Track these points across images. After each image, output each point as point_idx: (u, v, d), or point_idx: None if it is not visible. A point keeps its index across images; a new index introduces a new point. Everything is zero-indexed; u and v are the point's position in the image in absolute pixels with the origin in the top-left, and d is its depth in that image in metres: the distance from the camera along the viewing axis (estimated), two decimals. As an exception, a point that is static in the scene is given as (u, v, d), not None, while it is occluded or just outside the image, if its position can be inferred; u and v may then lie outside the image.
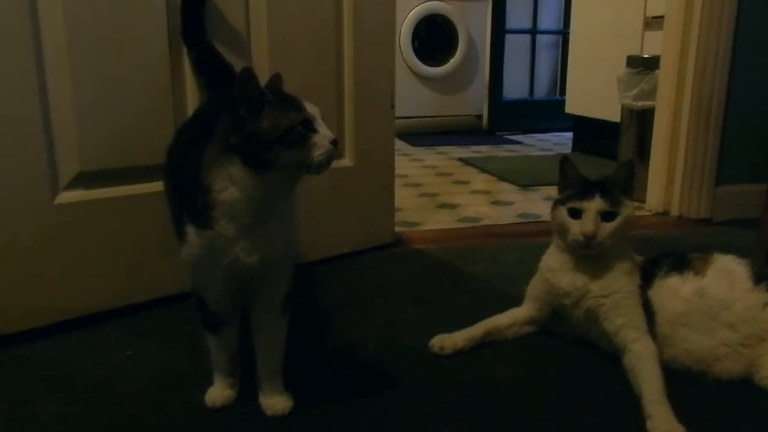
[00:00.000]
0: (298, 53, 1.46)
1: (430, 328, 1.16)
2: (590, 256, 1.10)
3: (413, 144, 3.76)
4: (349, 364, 1.11)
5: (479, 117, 4.33)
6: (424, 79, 4.18)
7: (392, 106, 1.67)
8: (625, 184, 1.10)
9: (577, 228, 1.08)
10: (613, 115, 2.54)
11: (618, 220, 1.07)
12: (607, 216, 1.07)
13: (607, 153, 2.73)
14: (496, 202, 2.33)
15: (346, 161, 1.61)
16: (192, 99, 1.32)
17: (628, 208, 1.08)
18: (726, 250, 1.14)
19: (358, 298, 1.40)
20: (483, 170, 2.92)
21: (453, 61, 4.19)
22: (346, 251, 1.64)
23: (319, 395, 1.00)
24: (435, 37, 4.17)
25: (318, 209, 1.55)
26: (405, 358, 1.12)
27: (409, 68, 4.12)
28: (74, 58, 1.16)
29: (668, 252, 1.17)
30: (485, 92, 4.26)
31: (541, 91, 4.45)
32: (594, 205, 1.07)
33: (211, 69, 1.23)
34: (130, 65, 1.23)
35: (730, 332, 1.04)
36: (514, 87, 4.34)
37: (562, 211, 1.10)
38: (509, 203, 2.29)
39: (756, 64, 1.98)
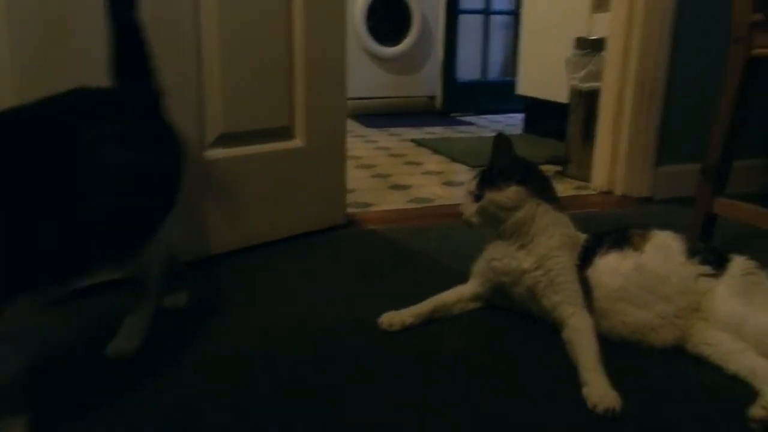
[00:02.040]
0: (248, 31, 1.45)
1: (382, 306, 1.18)
2: (510, 236, 1.16)
3: (367, 125, 3.76)
4: (307, 340, 1.13)
5: (433, 98, 4.36)
6: (379, 59, 4.17)
7: (344, 86, 1.67)
8: (508, 172, 1.16)
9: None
10: (562, 96, 2.59)
11: (481, 202, 1.16)
12: (477, 197, 1.17)
13: (557, 134, 2.79)
14: (448, 183, 2.37)
15: (297, 142, 1.60)
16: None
17: (498, 194, 1.15)
18: (666, 226, 1.19)
19: (312, 278, 1.41)
20: (436, 151, 2.95)
21: (407, 42, 4.18)
22: (299, 232, 1.64)
23: (280, 369, 1.02)
24: (389, 17, 4.15)
25: (269, 190, 1.56)
26: (361, 334, 1.14)
27: (363, 48, 4.09)
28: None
29: (611, 229, 1.22)
30: (439, 73, 4.28)
31: (495, 72, 4.50)
32: (469, 186, 1.20)
33: (127, 53, 1.02)
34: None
35: (665, 304, 1.09)
36: (468, 68, 4.37)
37: None
38: (462, 184, 2.32)
39: (695, 49, 2.05)
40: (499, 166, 1.18)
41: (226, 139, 1.45)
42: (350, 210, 1.86)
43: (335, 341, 1.12)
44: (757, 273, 1.11)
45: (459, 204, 1.22)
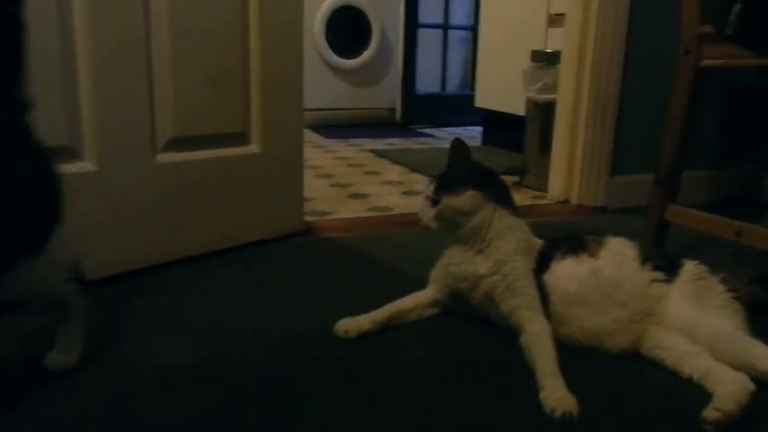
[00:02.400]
0: (202, 36, 1.42)
1: (339, 313, 1.16)
2: (467, 241, 1.16)
3: (327, 136, 3.75)
4: (264, 347, 1.09)
5: (393, 110, 4.38)
6: (338, 71, 4.18)
7: (301, 93, 1.65)
8: (464, 177, 1.17)
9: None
10: (520, 108, 2.63)
11: (438, 207, 1.16)
12: (435, 202, 1.17)
13: (514, 145, 2.83)
14: (407, 192, 2.36)
15: (253, 147, 1.57)
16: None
17: (454, 199, 1.15)
18: (620, 234, 1.20)
19: (268, 285, 1.37)
20: (395, 162, 2.95)
21: (367, 54, 4.20)
22: (255, 239, 1.60)
23: (235, 377, 0.98)
24: (349, 30, 4.17)
25: (224, 196, 1.52)
26: (319, 341, 1.11)
27: (323, 60, 4.10)
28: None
29: (567, 235, 1.22)
30: (399, 86, 4.31)
31: (454, 85, 4.55)
32: (426, 191, 1.20)
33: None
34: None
35: (621, 309, 1.09)
36: (427, 81, 4.41)
37: None
38: (421, 193, 2.31)
39: (647, 61, 2.10)
40: (456, 171, 1.18)
41: (177, 144, 1.41)
42: (308, 218, 1.84)
43: (292, 349, 1.09)
44: (707, 278, 1.13)
45: (418, 211, 1.22)
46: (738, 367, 0.98)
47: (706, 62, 1.39)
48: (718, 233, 1.36)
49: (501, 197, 1.19)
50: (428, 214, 1.18)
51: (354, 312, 1.16)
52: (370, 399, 0.94)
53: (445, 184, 1.18)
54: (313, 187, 2.33)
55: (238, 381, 0.98)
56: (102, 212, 1.30)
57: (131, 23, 1.29)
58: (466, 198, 1.15)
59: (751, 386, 0.93)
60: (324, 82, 4.11)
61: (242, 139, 1.55)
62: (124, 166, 1.32)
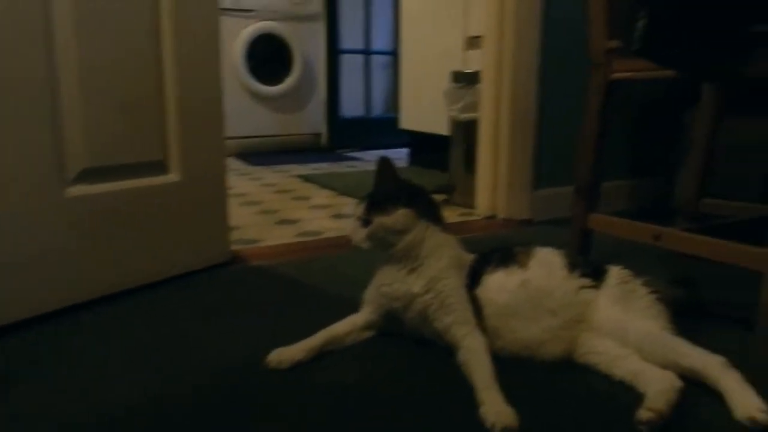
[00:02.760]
0: (112, 65, 1.36)
1: (271, 343, 1.11)
2: (399, 260, 1.15)
3: (252, 163, 3.68)
4: (192, 385, 1.03)
5: (318, 135, 4.37)
6: (261, 98, 4.14)
7: (221, 119, 1.60)
8: (394, 196, 1.16)
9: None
10: (443, 128, 2.67)
11: (370, 227, 1.15)
12: (366, 222, 1.16)
13: (441, 164, 2.87)
14: (337, 216, 2.34)
15: (172, 176, 1.51)
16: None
17: (386, 218, 1.14)
18: (546, 244, 1.22)
19: (194, 319, 1.31)
20: (324, 186, 2.93)
21: (289, 81, 4.19)
22: (179, 272, 1.54)
23: (162, 419, 0.92)
24: (270, 57, 4.15)
25: (144, 228, 1.46)
26: (246, 376, 1.06)
27: (245, 88, 4.05)
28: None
29: (496, 248, 1.23)
30: (323, 111, 4.31)
31: (378, 108, 4.59)
32: (356, 211, 1.18)
33: None
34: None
35: (552, 318, 1.11)
36: (352, 105, 4.44)
37: None
38: (350, 215, 2.30)
39: (560, 77, 2.19)
40: (386, 189, 1.17)
41: (90, 175, 1.34)
42: (235, 247, 1.78)
43: (223, 385, 1.04)
44: (631, 281, 1.16)
45: (349, 232, 1.19)
46: (665, 366, 1.00)
47: (615, 75, 1.45)
48: (638, 238, 1.41)
49: (432, 214, 1.19)
50: (359, 234, 1.17)
51: (288, 341, 1.12)
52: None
53: (376, 203, 1.16)
54: (239, 215, 2.27)
55: (165, 423, 0.92)
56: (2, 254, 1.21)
57: (30, 58, 1.22)
58: (398, 216, 1.15)
59: (678, 384, 0.96)
60: (247, 109, 4.06)
61: (161, 167, 1.49)
62: (27, 203, 1.24)
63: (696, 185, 1.85)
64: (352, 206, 1.23)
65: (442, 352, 1.11)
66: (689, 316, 1.18)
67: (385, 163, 1.20)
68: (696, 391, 0.97)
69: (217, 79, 1.59)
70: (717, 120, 1.84)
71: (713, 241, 1.25)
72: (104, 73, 1.35)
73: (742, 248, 1.19)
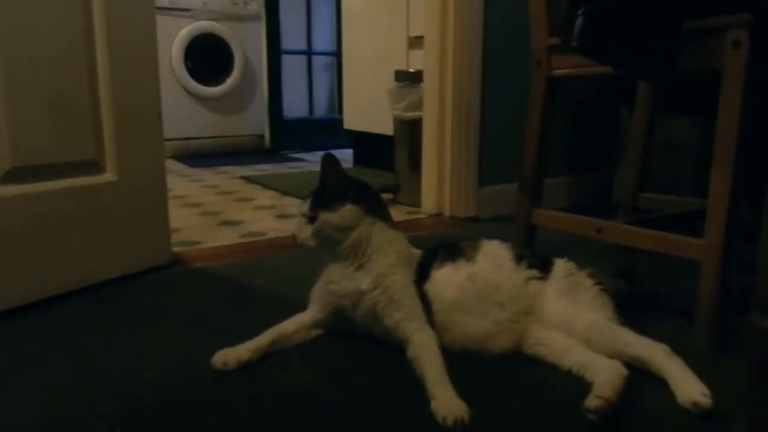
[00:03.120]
0: (41, 63, 1.30)
1: (216, 346, 1.07)
2: (347, 257, 1.13)
3: (193, 165, 3.59)
4: (132, 395, 0.98)
5: (261, 137, 4.30)
6: (201, 99, 4.04)
7: (159, 117, 1.54)
8: (341, 191, 1.14)
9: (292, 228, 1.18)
10: (388, 128, 2.67)
11: (316, 224, 1.13)
12: (311, 219, 1.13)
13: (386, 164, 2.86)
14: (281, 216, 2.30)
15: (108, 176, 1.45)
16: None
17: (332, 215, 1.12)
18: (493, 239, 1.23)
19: (132, 324, 1.25)
20: (267, 187, 2.88)
21: (230, 81, 4.11)
22: (118, 275, 1.47)
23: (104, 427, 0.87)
24: (210, 57, 4.06)
25: (80, 230, 1.39)
26: (189, 381, 1.02)
27: (184, 88, 3.95)
28: None
29: (444, 243, 1.23)
30: (266, 112, 4.25)
31: (321, 109, 4.56)
32: (301, 208, 1.16)
33: None
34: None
35: (500, 311, 1.11)
36: (294, 106, 4.39)
37: None
38: (294, 216, 2.26)
39: (503, 78, 2.22)
40: (332, 186, 1.15)
41: (18, 175, 1.27)
42: (176, 249, 1.72)
43: (166, 393, 0.99)
44: (577, 273, 1.18)
45: (294, 230, 1.17)
46: (611, 356, 1.02)
47: (555, 72, 1.48)
48: (581, 231, 1.44)
49: (378, 210, 1.18)
50: (305, 232, 1.14)
51: (233, 343, 1.08)
52: (255, 432, 0.88)
53: (321, 200, 1.14)
54: (180, 217, 2.20)
55: (102, 432, 0.88)
56: None
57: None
58: (344, 213, 1.13)
59: (625, 372, 0.98)
60: (186, 110, 3.96)
61: (95, 167, 1.43)
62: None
63: (634, 181, 1.91)
64: (297, 205, 1.21)
65: (391, 348, 1.10)
66: (631, 308, 1.21)
67: (330, 160, 1.18)
68: (641, 378, 0.99)
69: (154, 79, 1.53)
70: (652, 117, 1.90)
71: (653, 233, 1.29)
72: (30, 70, 1.28)
73: (681, 239, 1.22)
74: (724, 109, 1.11)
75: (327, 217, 1.12)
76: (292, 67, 4.36)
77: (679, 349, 1.01)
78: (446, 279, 1.14)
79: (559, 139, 2.42)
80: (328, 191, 1.15)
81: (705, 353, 1.12)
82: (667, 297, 1.40)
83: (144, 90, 1.52)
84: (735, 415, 0.89)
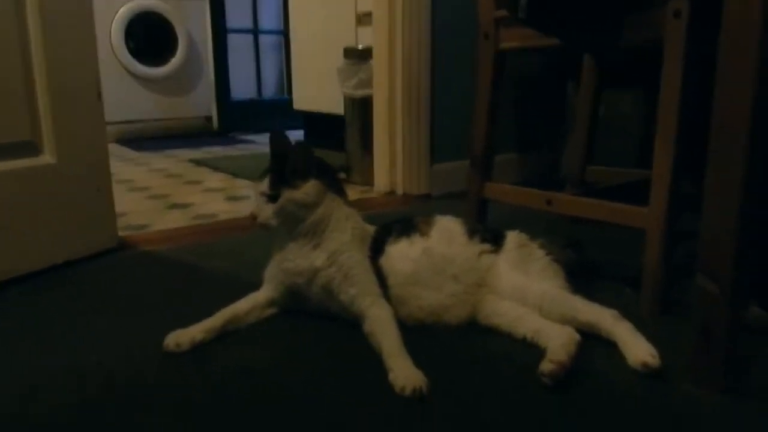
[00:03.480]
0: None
1: (166, 328, 1.04)
2: (305, 235, 1.11)
3: (138, 149, 3.48)
4: (66, 380, 0.94)
5: (209, 118, 4.20)
6: (145, 80, 3.91)
7: (99, 96, 1.48)
8: (302, 168, 1.11)
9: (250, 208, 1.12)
10: (338, 107, 2.64)
11: (279, 202, 1.09)
12: (272, 198, 1.10)
13: (337, 145, 2.83)
14: (232, 198, 2.26)
15: (47, 158, 1.39)
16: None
17: (296, 192, 1.09)
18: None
19: (77, 310, 1.21)
20: (216, 169, 2.82)
21: (174, 62, 3.99)
22: (59, 261, 1.42)
23: (52, 414, 0.83)
24: (152, 37, 3.92)
25: (16, 215, 1.33)
26: (139, 363, 0.99)
27: (126, 69, 3.81)
28: None
29: (398, 219, 1.23)
30: (213, 93, 4.14)
31: (270, 90, 4.48)
32: (260, 187, 1.11)
33: None
34: None
35: (455, 284, 1.12)
36: (242, 87, 4.30)
37: None
38: (246, 197, 2.23)
39: (452, 51, 2.21)
40: (293, 162, 1.11)
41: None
42: (123, 233, 1.67)
43: (112, 373, 0.96)
44: (528, 244, 1.20)
45: (252, 210, 1.12)
46: (564, 322, 1.04)
47: (504, 45, 1.48)
48: (531, 204, 1.46)
49: (336, 187, 1.17)
50: (266, 211, 1.10)
51: (187, 325, 1.05)
52: (203, 419, 0.86)
53: (281, 177, 1.10)
54: (126, 202, 2.13)
55: (48, 425, 0.84)
56: None
57: None
58: (308, 189, 1.10)
59: (577, 337, 1.00)
60: (129, 92, 3.82)
61: (31, 148, 1.36)
62: None
63: (581, 155, 1.94)
64: (251, 186, 1.17)
65: (347, 325, 1.10)
66: (580, 277, 1.24)
67: (278, 136, 1.16)
68: (593, 343, 1.02)
69: (92, 55, 1.47)
70: (597, 93, 1.94)
71: (601, 203, 1.32)
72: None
73: (627, 208, 1.25)
74: (666, 79, 1.14)
75: (290, 194, 1.09)
76: (238, 47, 4.26)
77: (627, 314, 1.04)
78: (401, 254, 1.14)
79: (507, 117, 2.44)
80: (289, 167, 1.11)
81: (651, 317, 1.16)
82: (613, 266, 1.44)
83: (81, 67, 1.45)
84: (681, 373, 0.93)
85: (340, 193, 1.17)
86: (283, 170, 1.11)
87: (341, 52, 2.48)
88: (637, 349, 0.96)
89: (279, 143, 1.17)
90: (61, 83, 1.39)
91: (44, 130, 1.38)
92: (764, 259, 1.03)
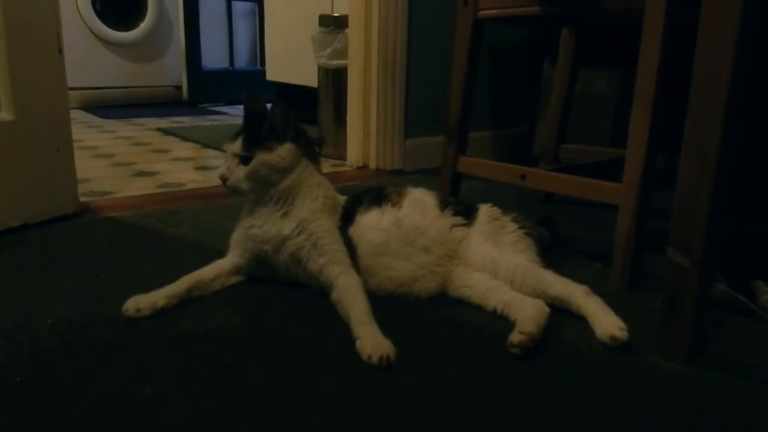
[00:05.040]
0: None
1: (128, 293, 1.01)
2: (276, 201, 1.08)
3: (104, 116, 3.38)
4: (19, 338, 0.91)
5: (179, 88, 4.09)
6: (112, 45, 3.78)
7: (60, 51, 1.41)
8: (280, 128, 1.08)
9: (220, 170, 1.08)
10: (312, 80, 2.58)
11: (251, 164, 1.05)
12: (245, 160, 1.05)
13: (310, 118, 2.78)
14: (201, 167, 2.20)
15: (2, 114, 1.32)
16: None
17: (268, 154, 1.05)
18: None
19: (31, 273, 1.16)
20: (185, 139, 2.75)
21: (143, 26, 3.86)
22: (15, 224, 1.36)
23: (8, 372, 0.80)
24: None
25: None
26: (99, 326, 0.95)
27: (92, 32, 3.68)
28: None
29: (369, 188, 1.21)
30: (183, 62, 4.03)
31: (242, 60, 4.38)
32: (232, 147, 1.07)
33: None
34: None
35: (425, 255, 1.11)
36: (214, 57, 4.19)
37: None
38: (216, 167, 2.18)
39: (429, 27, 2.18)
40: (271, 123, 1.07)
41: None
42: (85, 199, 1.61)
43: (67, 335, 0.92)
44: (501, 218, 1.19)
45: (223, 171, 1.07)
46: (535, 296, 1.04)
47: (482, 13, 1.45)
48: (505, 179, 1.44)
49: (311, 152, 1.13)
50: (238, 173, 1.06)
51: (147, 291, 1.02)
52: (164, 378, 0.83)
53: (255, 138, 1.06)
54: (89, 168, 2.06)
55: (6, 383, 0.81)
56: None
57: None
58: (283, 152, 1.06)
59: (547, 310, 1.00)
60: (95, 57, 3.69)
61: (-13, 104, 1.30)
62: None
63: (555, 132, 1.93)
64: (219, 159, 1.12)
65: (314, 294, 1.07)
66: (552, 253, 1.24)
67: (252, 97, 1.12)
68: (562, 317, 1.01)
69: (53, 6, 1.39)
70: (574, 70, 1.92)
71: (575, 179, 1.31)
72: None
73: (601, 184, 1.25)
74: (645, 50, 1.12)
75: (264, 156, 1.05)
76: (210, 14, 4.14)
77: (596, 290, 1.04)
78: (372, 223, 1.12)
79: (482, 93, 2.42)
80: (267, 127, 1.07)
81: (620, 292, 1.16)
82: (584, 243, 1.44)
83: (41, 16, 1.37)
84: (648, 346, 0.93)
85: (314, 159, 1.14)
86: (257, 131, 1.07)
87: (316, 20, 2.41)
88: (607, 322, 0.96)
89: (253, 103, 1.13)
90: (18, 34, 1.32)
91: (0, 85, 1.31)
92: (735, 234, 1.03)
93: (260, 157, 1.05)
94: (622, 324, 0.95)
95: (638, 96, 1.14)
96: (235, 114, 3.73)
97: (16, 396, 0.78)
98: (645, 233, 1.19)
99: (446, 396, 0.80)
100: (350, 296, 0.99)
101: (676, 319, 0.89)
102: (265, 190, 1.08)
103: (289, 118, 1.08)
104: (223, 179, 1.07)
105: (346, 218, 1.14)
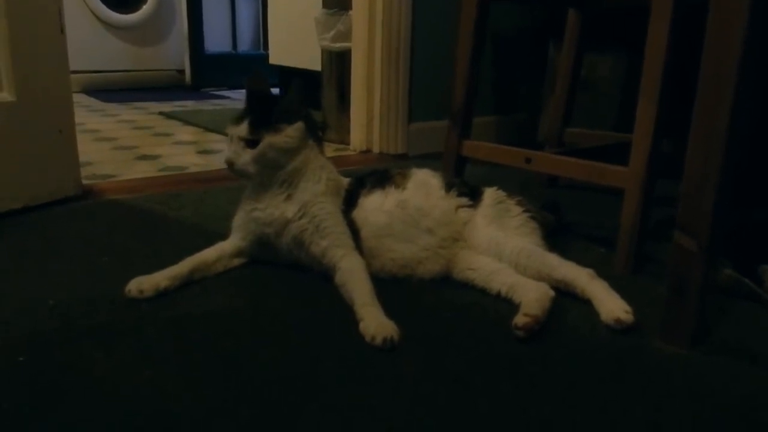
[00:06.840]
0: None
1: (130, 275, 1.00)
2: (281, 184, 1.07)
3: (106, 100, 3.36)
4: (18, 320, 0.91)
5: (181, 72, 4.06)
6: (114, 27, 3.75)
7: (62, 31, 1.40)
8: (295, 107, 1.07)
9: (225, 155, 1.06)
10: (316, 64, 2.56)
11: (259, 147, 1.03)
12: (252, 143, 1.04)
13: (313, 103, 2.75)
14: (203, 151, 2.19)
15: (4, 95, 1.31)
16: None
17: (276, 136, 1.04)
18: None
19: (34, 255, 1.16)
20: (188, 123, 2.73)
21: (145, 9, 3.83)
22: (17, 207, 1.35)
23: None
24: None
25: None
26: (100, 308, 0.95)
27: (94, 14, 3.65)
28: None
29: (373, 170, 1.20)
30: (186, 45, 4.00)
31: (245, 44, 4.34)
32: (237, 131, 1.04)
33: None
34: None
35: (429, 237, 1.10)
36: (217, 40, 4.15)
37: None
38: (219, 151, 2.17)
39: (434, 9, 2.15)
40: (288, 101, 1.06)
41: None
42: (88, 182, 1.61)
43: (69, 317, 0.92)
44: (506, 201, 1.18)
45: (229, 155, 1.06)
46: (539, 279, 1.03)
47: (489, -6, 1.44)
48: (510, 162, 1.43)
49: (315, 133, 1.13)
50: (244, 157, 1.04)
51: (149, 272, 1.01)
52: (166, 360, 0.83)
53: (262, 120, 1.04)
54: (92, 151, 2.06)
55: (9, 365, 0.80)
56: None
57: None
58: (292, 131, 1.05)
59: (551, 293, 0.99)
60: (98, 40, 3.67)
61: (-12, 85, 1.29)
62: None
63: (560, 116, 1.92)
64: (222, 143, 1.11)
65: (317, 276, 1.07)
66: (556, 237, 1.23)
67: (259, 77, 1.11)
68: (567, 301, 1.01)
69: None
70: (579, 54, 1.90)
71: (581, 162, 1.30)
72: None
73: (608, 167, 1.24)
74: (653, 31, 1.11)
75: (272, 138, 1.04)
76: (213, -3, 4.10)
77: (600, 274, 1.03)
78: (375, 205, 1.11)
79: (486, 78, 2.40)
80: (283, 106, 1.06)
81: (624, 277, 1.15)
82: (588, 227, 1.43)
83: (43, 6, 1.36)
84: (652, 330, 0.92)
85: (318, 141, 1.13)
86: (266, 113, 1.05)
87: (319, 1, 2.39)
88: (612, 304, 0.95)
89: (259, 84, 1.11)
90: (19, 12, 1.30)
91: (2, 66, 1.30)
92: (743, 218, 1.02)
93: (268, 140, 1.04)
94: (627, 307, 0.95)
95: (645, 81, 1.13)
96: (237, 98, 3.71)
97: (17, 378, 0.78)
98: (650, 221, 1.18)
99: (449, 383, 0.80)
100: (354, 278, 0.99)
101: (681, 303, 0.89)
102: (272, 172, 1.07)
103: (305, 96, 1.07)
104: (230, 163, 1.05)
105: (350, 201, 1.13)
